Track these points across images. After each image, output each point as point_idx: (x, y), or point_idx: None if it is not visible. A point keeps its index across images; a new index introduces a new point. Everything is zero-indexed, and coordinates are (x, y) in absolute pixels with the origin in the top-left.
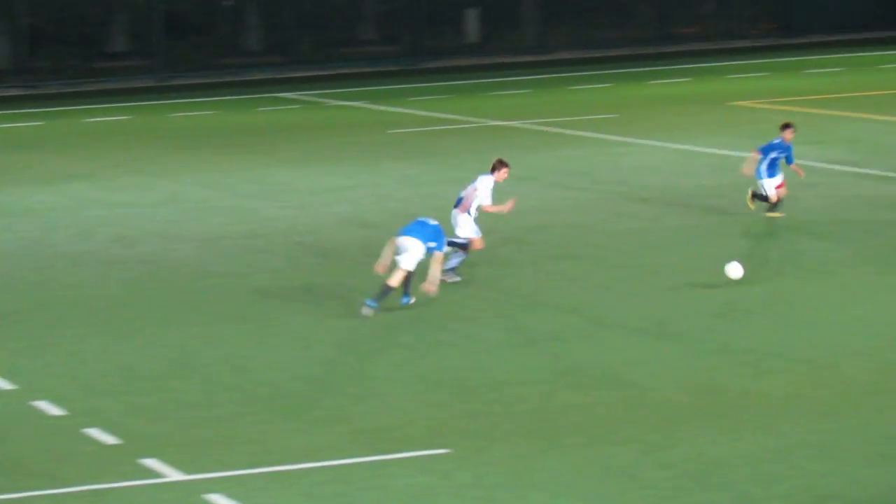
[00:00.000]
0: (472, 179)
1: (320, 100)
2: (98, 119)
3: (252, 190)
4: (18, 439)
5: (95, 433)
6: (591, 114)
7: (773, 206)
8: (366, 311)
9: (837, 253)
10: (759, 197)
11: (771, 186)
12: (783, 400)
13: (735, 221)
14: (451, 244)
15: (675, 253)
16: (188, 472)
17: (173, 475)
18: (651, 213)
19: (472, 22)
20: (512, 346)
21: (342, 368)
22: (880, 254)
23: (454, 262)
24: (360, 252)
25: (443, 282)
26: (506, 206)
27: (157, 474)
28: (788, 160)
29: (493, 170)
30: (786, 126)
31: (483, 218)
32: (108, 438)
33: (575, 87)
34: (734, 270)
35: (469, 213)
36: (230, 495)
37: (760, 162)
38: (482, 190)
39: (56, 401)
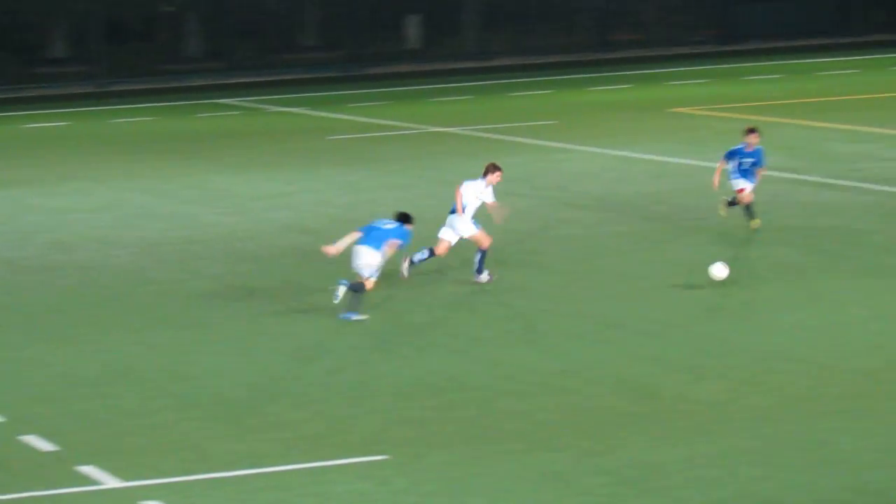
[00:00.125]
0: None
1: (261, 106)
2: (37, 125)
3: (191, 196)
4: None
5: (32, 440)
6: (532, 120)
7: (749, 214)
8: (339, 290)
9: (776, 260)
10: (732, 203)
11: (744, 184)
12: (721, 406)
13: (675, 228)
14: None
15: (614, 259)
16: (125, 478)
17: (110, 482)
18: (590, 219)
19: (412, 28)
20: (450, 352)
21: (280, 375)
22: (819, 260)
23: (478, 263)
24: (299, 258)
25: (477, 283)
26: (503, 213)
27: (93, 481)
28: (759, 164)
29: (485, 174)
30: (750, 131)
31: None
32: (45, 445)
33: (515, 94)
34: (719, 271)
35: (464, 212)
36: (167, 502)
37: (731, 172)
38: (481, 192)
39: None
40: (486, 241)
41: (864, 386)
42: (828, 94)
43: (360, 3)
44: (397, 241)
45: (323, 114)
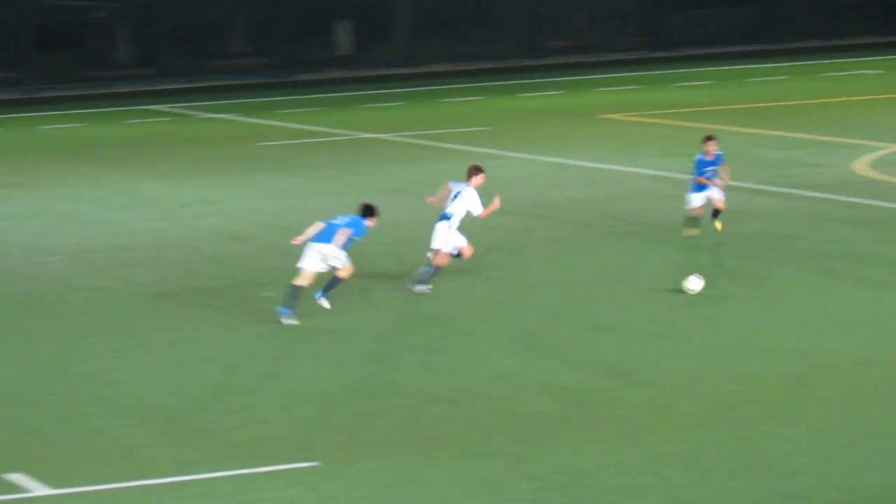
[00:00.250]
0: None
1: (191, 112)
2: None
3: (121, 202)
4: None
5: None
6: (463, 126)
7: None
8: (323, 303)
9: (707, 266)
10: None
11: (697, 200)
12: (651, 411)
13: (605, 233)
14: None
15: (545, 265)
16: (54, 486)
17: (39, 490)
18: (522, 225)
19: (344, 34)
20: (380, 358)
21: (210, 382)
22: (749, 267)
23: (425, 273)
24: (229, 265)
25: (410, 291)
26: (494, 205)
27: (22, 489)
28: (716, 163)
29: (469, 177)
30: (708, 139)
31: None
32: None
33: (447, 100)
34: (694, 284)
35: (451, 224)
36: None
37: (691, 186)
38: (470, 200)
39: None
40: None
41: (793, 391)
42: (757, 100)
43: (290, 10)
44: (347, 230)
45: (253, 120)
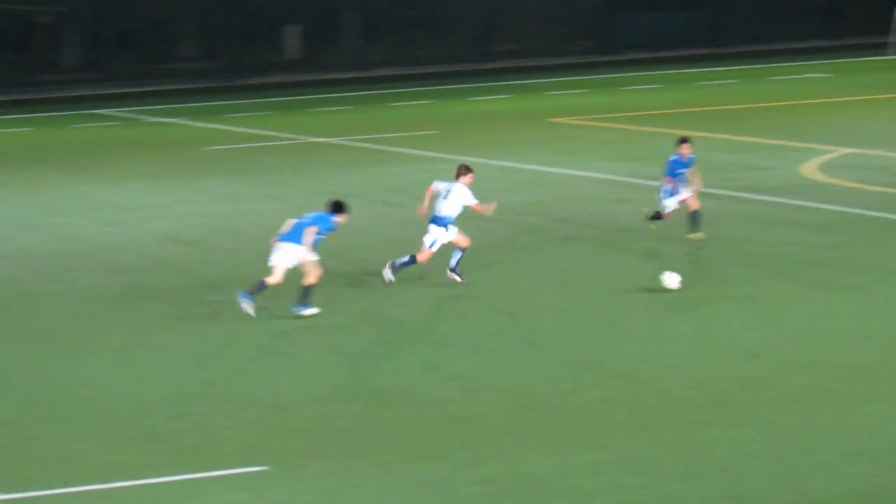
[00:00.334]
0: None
1: (138, 116)
2: None
3: (68, 207)
4: None
5: None
6: (412, 130)
7: (694, 226)
8: (308, 311)
9: (657, 268)
10: (656, 216)
11: (672, 204)
12: (601, 414)
13: (554, 237)
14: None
15: (493, 270)
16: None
17: None
18: (470, 229)
19: (292, 38)
20: (330, 363)
21: (157, 386)
22: (699, 269)
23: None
24: (177, 269)
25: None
26: (489, 207)
27: None
28: (689, 165)
29: (457, 176)
30: (682, 141)
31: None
32: None
33: (395, 104)
34: (671, 281)
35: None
36: None
37: (664, 190)
38: (462, 195)
39: None
40: (425, 256)
41: (742, 394)
42: (706, 104)
43: (238, 14)
44: (314, 228)
45: (201, 124)
